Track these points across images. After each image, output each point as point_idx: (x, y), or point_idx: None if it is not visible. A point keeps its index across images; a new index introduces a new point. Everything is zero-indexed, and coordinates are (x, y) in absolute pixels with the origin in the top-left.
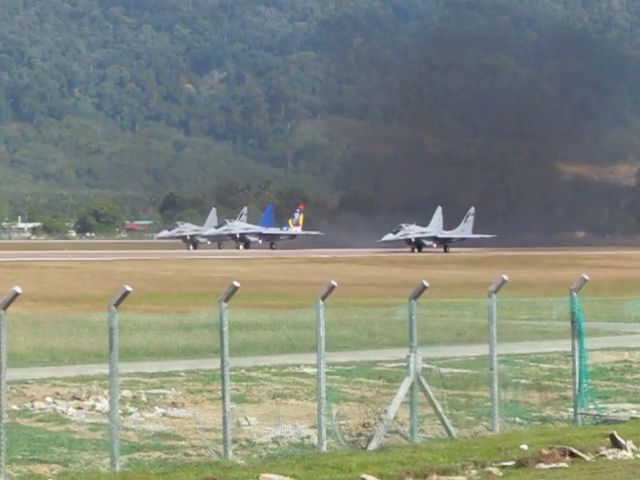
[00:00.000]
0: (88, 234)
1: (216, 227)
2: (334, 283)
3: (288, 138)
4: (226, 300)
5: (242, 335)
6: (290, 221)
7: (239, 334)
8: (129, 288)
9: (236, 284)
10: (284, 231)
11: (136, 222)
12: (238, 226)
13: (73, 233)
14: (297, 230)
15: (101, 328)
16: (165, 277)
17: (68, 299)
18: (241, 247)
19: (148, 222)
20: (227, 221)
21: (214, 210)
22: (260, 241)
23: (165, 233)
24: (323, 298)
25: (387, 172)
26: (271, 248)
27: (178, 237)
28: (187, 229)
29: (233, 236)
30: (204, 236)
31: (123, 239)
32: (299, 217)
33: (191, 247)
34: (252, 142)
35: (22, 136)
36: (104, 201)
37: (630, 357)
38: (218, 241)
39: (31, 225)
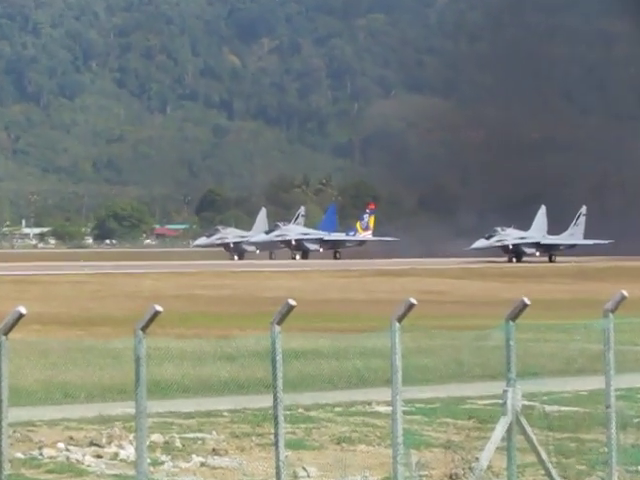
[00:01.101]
0: (108, 241)
1: (267, 232)
2: (413, 301)
3: (355, 122)
4: (279, 322)
5: (299, 365)
6: (358, 224)
7: (295, 364)
8: (159, 308)
9: (292, 302)
10: (350, 237)
11: (167, 226)
12: (294, 231)
13: (90, 240)
14: (366, 235)
15: (125, 357)
16: (204, 294)
17: (84, 321)
18: (297, 257)
19: (182, 226)
20: (280, 225)
21: (264, 211)
22: (321, 249)
23: (203, 240)
24: (399, 319)
25: (477, 163)
26: (335, 258)
27: (219, 245)
28: (230, 235)
29: (288, 243)
30: (252, 243)
31: (151, 247)
32: (369, 219)
33: (235, 257)
34: (310, 127)
35: (27, 121)
36: (128, 200)
37: None
38: (269, 249)
39: (38, 230)
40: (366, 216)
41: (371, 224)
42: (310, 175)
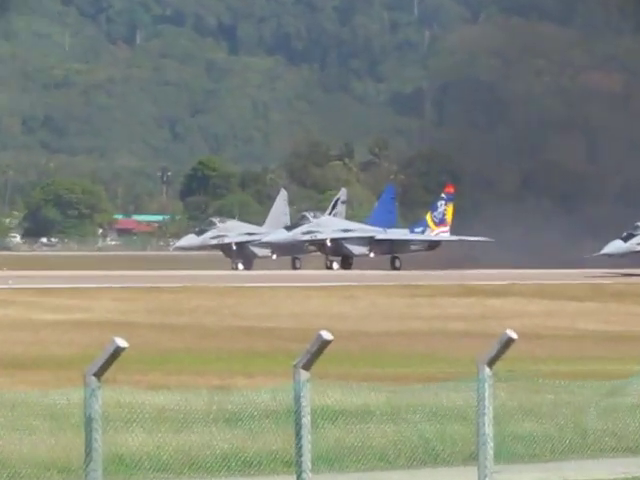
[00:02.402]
0: (45, 240)
1: (288, 227)
2: (512, 334)
3: (426, 60)
4: (307, 366)
5: (337, 432)
6: (429, 217)
7: (332, 430)
8: (123, 343)
9: (326, 336)
10: (417, 235)
11: (136, 217)
12: (329, 225)
13: (17, 238)
14: (442, 233)
15: (70, 417)
16: (192, 323)
17: (9, 363)
18: (335, 265)
19: (158, 218)
20: (309, 216)
21: (284, 195)
22: (372, 254)
23: (191, 239)
24: (491, 363)
25: (610, 124)
26: (393, 267)
27: (215, 247)
28: (232, 231)
29: (320, 244)
30: (265, 244)
31: (112, 249)
32: (446, 209)
33: (240, 265)
34: (357, 66)
35: None
36: (76, 177)
37: None
38: (292, 254)
39: None
40: (441, 204)
41: (449, 216)
42: (356, 140)
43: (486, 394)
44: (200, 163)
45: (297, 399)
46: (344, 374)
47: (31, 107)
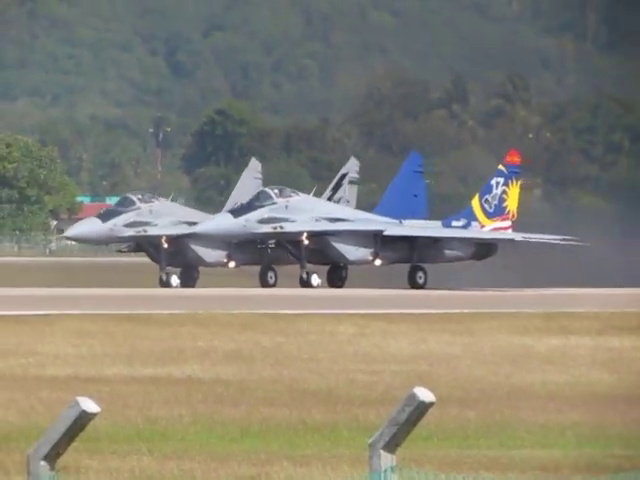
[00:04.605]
0: None
1: (235, 212)
2: None
3: None
4: (392, 445)
5: None
6: (476, 202)
7: None
8: (91, 406)
9: (424, 396)
10: (458, 230)
11: (113, 201)
12: (306, 210)
13: None
14: (501, 230)
15: None
16: (202, 373)
17: None
18: (315, 279)
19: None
20: (271, 193)
21: (254, 166)
22: (377, 260)
23: (90, 226)
24: None
25: None
26: (413, 285)
27: (133, 240)
28: (162, 218)
29: (289, 241)
30: (204, 238)
31: (72, 254)
32: (506, 190)
33: (174, 278)
34: None
35: None
36: (11, 136)
37: None
38: (260, 260)
39: None
40: (498, 182)
41: (511, 202)
42: (473, 76)
43: None
44: (218, 113)
45: None
46: (454, 459)
47: None
